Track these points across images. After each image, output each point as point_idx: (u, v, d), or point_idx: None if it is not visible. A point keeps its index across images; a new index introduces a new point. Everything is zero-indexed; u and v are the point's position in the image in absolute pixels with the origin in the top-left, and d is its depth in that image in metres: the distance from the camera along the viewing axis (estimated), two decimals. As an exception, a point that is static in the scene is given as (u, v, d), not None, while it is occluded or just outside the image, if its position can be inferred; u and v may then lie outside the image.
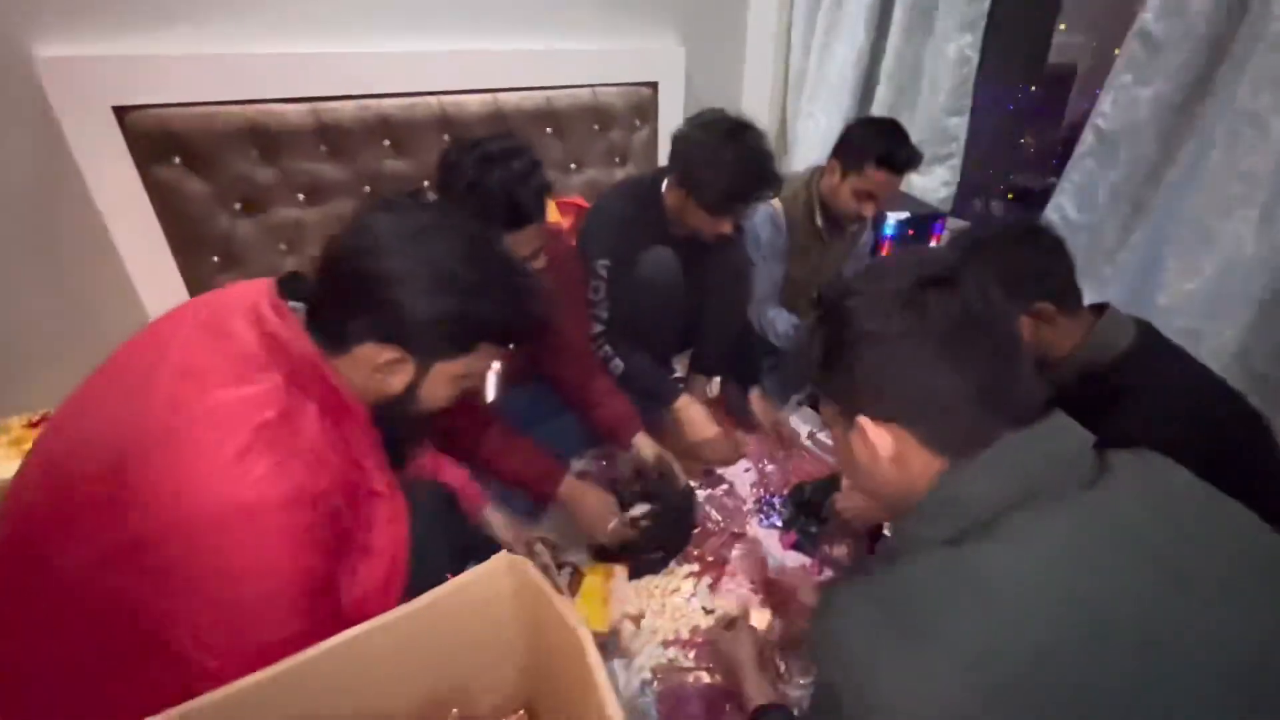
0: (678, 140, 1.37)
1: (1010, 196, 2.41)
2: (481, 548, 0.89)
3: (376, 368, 0.71)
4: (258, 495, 0.59)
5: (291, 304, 0.71)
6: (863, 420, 0.58)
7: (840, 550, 1.32)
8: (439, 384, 0.76)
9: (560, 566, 1.13)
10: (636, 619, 1.15)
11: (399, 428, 0.79)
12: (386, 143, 1.69)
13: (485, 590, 0.70)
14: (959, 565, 0.50)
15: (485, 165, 1.06)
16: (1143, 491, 0.53)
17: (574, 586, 1.12)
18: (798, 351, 1.67)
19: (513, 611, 0.72)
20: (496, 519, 1.11)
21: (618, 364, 1.44)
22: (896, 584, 0.51)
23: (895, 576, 0.52)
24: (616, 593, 1.16)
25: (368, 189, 1.70)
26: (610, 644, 1.10)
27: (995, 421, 0.54)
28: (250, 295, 0.70)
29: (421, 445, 0.88)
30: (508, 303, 0.73)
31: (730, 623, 1.01)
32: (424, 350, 0.72)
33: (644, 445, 1.37)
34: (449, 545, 0.88)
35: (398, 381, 0.73)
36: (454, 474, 1.10)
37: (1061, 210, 1.65)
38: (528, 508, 1.40)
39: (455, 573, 0.69)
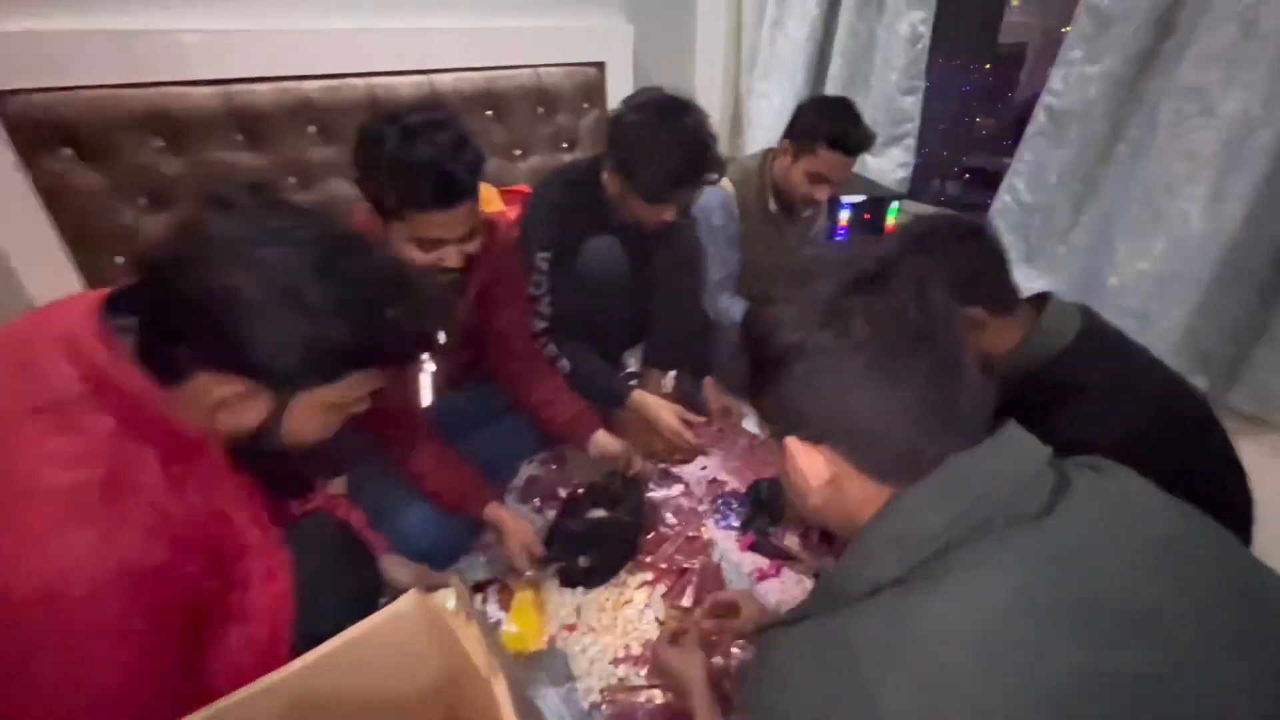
0: (613, 123, 1.29)
1: (965, 177, 2.40)
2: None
3: (217, 402, 0.60)
4: (76, 581, 0.49)
5: (123, 322, 0.60)
6: (791, 442, 0.52)
7: (793, 539, 1.28)
8: (307, 417, 0.65)
9: (484, 586, 1.05)
10: (570, 628, 1.08)
11: (274, 467, 0.69)
12: (312, 129, 1.57)
13: (395, 634, 0.63)
14: (902, 622, 0.44)
15: (409, 139, 0.95)
16: (1105, 520, 0.48)
17: (504, 602, 1.05)
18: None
19: (429, 655, 0.66)
20: (397, 568, 1.02)
21: (564, 364, 1.37)
22: (837, 642, 0.46)
23: (836, 631, 0.47)
24: (551, 603, 1.10)
25: (293, 180, 1.58)
26: (554, 665, 1.03)
27: (938, 443, 0.48)
28: (69, 321, 0.57)
29: (312, 480, 0.77)
30: (374, 324, 0.61)
31: (676, 635, 0.95)
32: (275, 381, 0.61)
33: (605, 442, 1.30)
34: (352, 590, 0.79)
35: (250, 417, 0.62)
36: (352, 519, 1.00)
37: (1015, 190, 1.63)
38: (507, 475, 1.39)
39: (361, 615, 0.62)
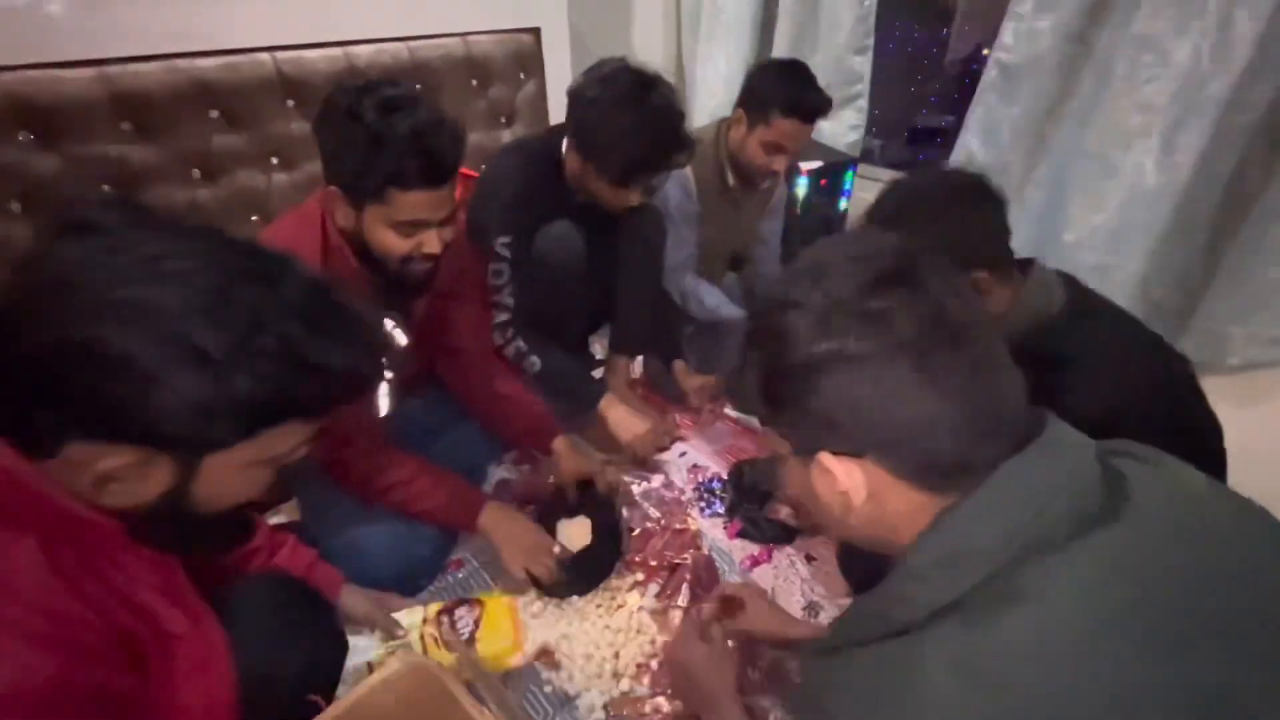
0: (574, 98, 1.19)
1: (906, 135, 2.39)
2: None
3: (102, 476, 0.48)
4: None
5: None
6: (825, 458, 0.47)
7: (787, 513, 1.25)
8: (222, 479, 0.53)
9: (453, 610, 0.97)
10: (548, 651, 1.01)
11: (192, 533, 0.57)
12: (213, 114, 1.38)
13: (383, 705, 0.54)
14: (974, 653, 0.40)
15: (390, 112, 0.86)
16: (1170, 521, 0.45)
17: (476, 618, 0.97)
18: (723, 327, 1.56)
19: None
20: (357, 603, 0.94)
21: (534, 361, 1.27)
22: (901, 677, 0.41)
23: (898, 665, 0.42)
24: (528, 615, 1.03)
25: (196, 172, 1.40)
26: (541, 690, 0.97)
27: (986, 446, 0.44)
28: None
29: (241, 538, 0.66)
30: (289, 370, 0.50)
31: (703, 632, 0.86)
32: (172, 448, 0.49)
33: (566, 456, 1.22)
34: (307, 655, 0.69)
35: (147, 489, 0.50)
36: (299, 556, 0.91)
37: (968, 149, 1.61)
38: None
39: (326, 686, 0.53)
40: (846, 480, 0.47)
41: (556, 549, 1.10)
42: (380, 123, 0.85)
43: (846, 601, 1.11)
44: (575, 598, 1.09)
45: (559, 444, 1.21)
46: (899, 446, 0.45)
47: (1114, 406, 0.73)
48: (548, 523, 1.18)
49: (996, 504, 0.43)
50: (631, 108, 1.12)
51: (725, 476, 1.36)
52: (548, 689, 0.97)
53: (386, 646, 0.90)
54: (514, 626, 1.00)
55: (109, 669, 0.48)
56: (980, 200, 0.81)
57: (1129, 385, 0.79)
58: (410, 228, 0.93)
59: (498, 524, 1.09)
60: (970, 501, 0.44)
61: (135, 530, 0.53)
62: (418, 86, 1.64)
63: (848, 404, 0.44)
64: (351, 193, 0.91)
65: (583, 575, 1.11)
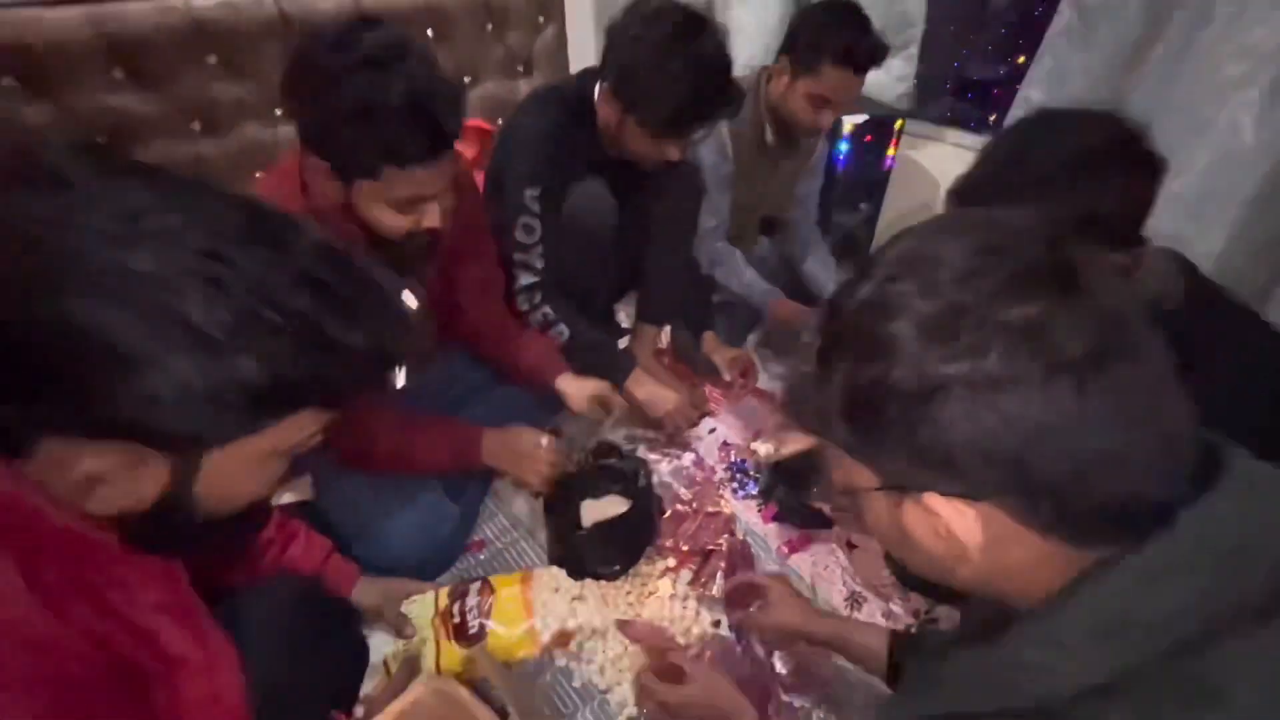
0: (613, 38, 1.06)
1: (948, 88, 2.22)
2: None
3: (86, 479, 0.41)
4: None
5: None
6: (933, 500, 0.37)
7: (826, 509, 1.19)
8: (228, 476, 0.46)
9: (463, 596, 0.92)
10: (567, 636, 0.93)
11: (196, 536, 0.49)
12: (211, 59, 1.28)
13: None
14: None
15: (378, 73, 0.73)
16: None
17: (487, 607, 0.91)
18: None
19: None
20: (369, 597, 0.89)
21: (561, 330, 1.18)
22: None
23: None
24: (541, 600, 0.96)
25: (196, 125, 1.31)
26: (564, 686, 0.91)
27: (1159, 489, 0.34)
28: None
29: (253, 530, 0.60)
30: (302, 351, 0.42)
31: (668, 668, 0.80)
32: (167, 441, 0.42)
33: (572, 390, 1.14)
34: (328, 670, 0.64)
35: (142, 490, 0.43)
36: (313, 550, 0.85)
37: (1029, 102, 1.47)
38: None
39: (347, 697, 0.47)
40: (958, 526, 0.37)
41: (545, 440, 1.06)
42: (371, 90, 0.72)
43: (890, 594, 1.04)
44: (604, 583, 1.03)
45: (563, 381, 1.14)
46: (1041, 491, 0.35)
47: (1237, 417, 0.63)
48: (572, 503, 1.12)
49: (1180, 563, 0.34)
50: (679, 51, 1.00)
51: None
52: (576, 683, 0.92)
53: (402, 643, 0.85)
54: (527, 611, 0.93)
55: (104, 704, 0.42)
56: (1145, 162, 0.67)
57: (1255, 392, 0.69)
58: (408, 204, 0.83)
59: (497, 451, 1.04)
60: (1142, 559, 0.34)
61: (132, 536, 0.46)
62: (429, 32, 1.52)
63: (975, 439, 0.34)
64: (339, 168, 0.80)
65: (615, 550, 1.05)
